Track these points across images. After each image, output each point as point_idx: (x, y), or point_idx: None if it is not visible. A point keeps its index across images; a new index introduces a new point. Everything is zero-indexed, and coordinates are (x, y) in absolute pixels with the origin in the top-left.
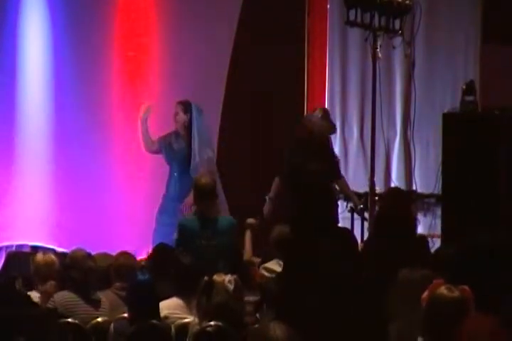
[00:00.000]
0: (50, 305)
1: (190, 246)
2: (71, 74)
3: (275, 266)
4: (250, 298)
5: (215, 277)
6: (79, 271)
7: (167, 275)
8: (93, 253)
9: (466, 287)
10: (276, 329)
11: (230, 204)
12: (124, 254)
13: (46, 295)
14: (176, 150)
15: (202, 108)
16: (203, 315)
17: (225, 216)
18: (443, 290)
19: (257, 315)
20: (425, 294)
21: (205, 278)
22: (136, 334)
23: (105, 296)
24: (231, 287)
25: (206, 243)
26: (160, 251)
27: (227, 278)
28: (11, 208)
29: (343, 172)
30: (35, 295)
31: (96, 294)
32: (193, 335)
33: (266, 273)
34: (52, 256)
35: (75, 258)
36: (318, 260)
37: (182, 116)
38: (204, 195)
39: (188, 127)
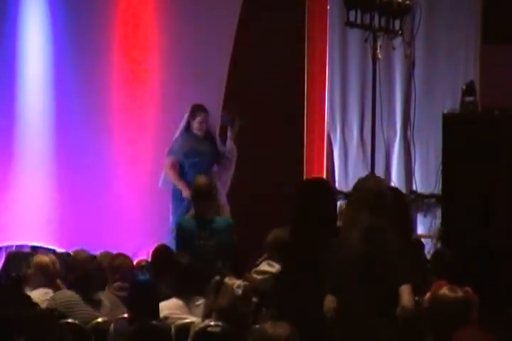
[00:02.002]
0: (50, 303)
1: (188, 247)
2: (71, 73)
3: (265, 266)
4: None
5: (227, 279)
6: (80, 273)
7: (167, 277)
8: (94, 253)
9: (468, 288)
10: (277, 327)
11: (231, 205)
12: (120, 256)
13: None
14: (203, 151)
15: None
16: (207, 315)
17: (222, 216)
18: (445, 290)
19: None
20: (427, 295)
21: (217, 277)
22: (136, 335)
23: (103, 296)
24: (239, 292)
25: (204, 243)
26: (160, 252)
27: (237, 282)
28: (11, 208)
29: (342, 172)
30: (35, 295)
31: (97, 294)
32: (194, 335)
33: (258, 276)
34: (54, 257)
35: (77, 260)
36: (317, 260)
37: (206, 122)
38: (200, 196)
39: (207, 131)
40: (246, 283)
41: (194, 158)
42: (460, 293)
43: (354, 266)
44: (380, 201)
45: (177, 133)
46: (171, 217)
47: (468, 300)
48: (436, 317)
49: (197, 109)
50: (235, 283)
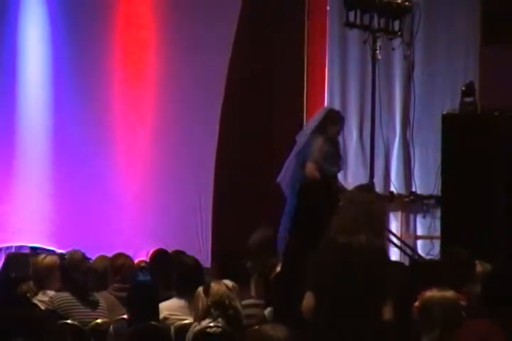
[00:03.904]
0: (48, 306)
1: None
2: (71, 75)
3: None
4: (251, 301)
5: (212, 284)
6: (79, 272)
7: (168, 277)
8: (93, 254)
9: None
10: (277, 329)
11: (232, 204)
12: (121, 255)
13: None
14: (338, 157)
15: (202, 109)
16: (201, 314)
17: None
18: (434, 291)
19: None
20: (417, 303)
21: (201, 287)
22: (136, 335)
23: (102, 297)
24: (230, 285)
25: None
26: (161, 252)
27: (224, 281)
28: (11, 209)
29: (342, 172)
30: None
31: (94, 295)
32: (193, 336)
33: None
34: (53, 258)
35: (73, 259)
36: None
37: None
38: None
39: None
40: (233, 282)
41: (333, 164)
42: (446, 292)
43: (337, 276)
44: (372, 219)
45: (304, 134)
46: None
47: (456, 298)
48: (429, 317)
49: (341, 117)
50: (222, 283)
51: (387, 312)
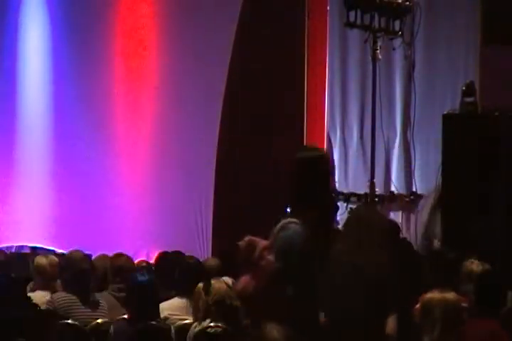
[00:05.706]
0: (48, 305)
1: None
2: (71, 75)
3: None
4: None
5: (213, 281)
6: (73, 273)
7: (169, 277)
8: (93, 254)
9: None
10: (274, 331)
11: (232, 204)
12: (121, 256)
13: None
14: None
15: (202, 109)
16: (202, 313)
17: None
18: (435, 292)
19: None
20: (417, 305)
21: (201, 283)
22: (136, 335)
23: (102, 298)
24: (229, 282)
25: None
26: (164, 254)
27: (224, 279)
28: (12, 209)
29: (342, 172)
30: (39, 296)
31: (94, 295)
32: (193, 336)
33: None
34: (55, 258)
35: (70, 259)
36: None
37: None
38: None
39: None
40: (232, 279)
41: None
42: (447, 293)
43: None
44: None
45: None
46: None
47: (456, 300)
48: (430, 318)
49: None
50: (222, 281)
51: (391, 323)
